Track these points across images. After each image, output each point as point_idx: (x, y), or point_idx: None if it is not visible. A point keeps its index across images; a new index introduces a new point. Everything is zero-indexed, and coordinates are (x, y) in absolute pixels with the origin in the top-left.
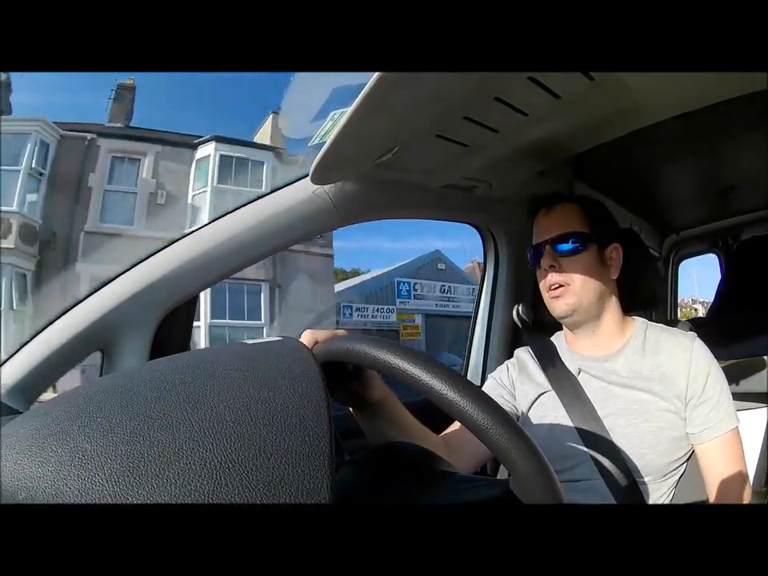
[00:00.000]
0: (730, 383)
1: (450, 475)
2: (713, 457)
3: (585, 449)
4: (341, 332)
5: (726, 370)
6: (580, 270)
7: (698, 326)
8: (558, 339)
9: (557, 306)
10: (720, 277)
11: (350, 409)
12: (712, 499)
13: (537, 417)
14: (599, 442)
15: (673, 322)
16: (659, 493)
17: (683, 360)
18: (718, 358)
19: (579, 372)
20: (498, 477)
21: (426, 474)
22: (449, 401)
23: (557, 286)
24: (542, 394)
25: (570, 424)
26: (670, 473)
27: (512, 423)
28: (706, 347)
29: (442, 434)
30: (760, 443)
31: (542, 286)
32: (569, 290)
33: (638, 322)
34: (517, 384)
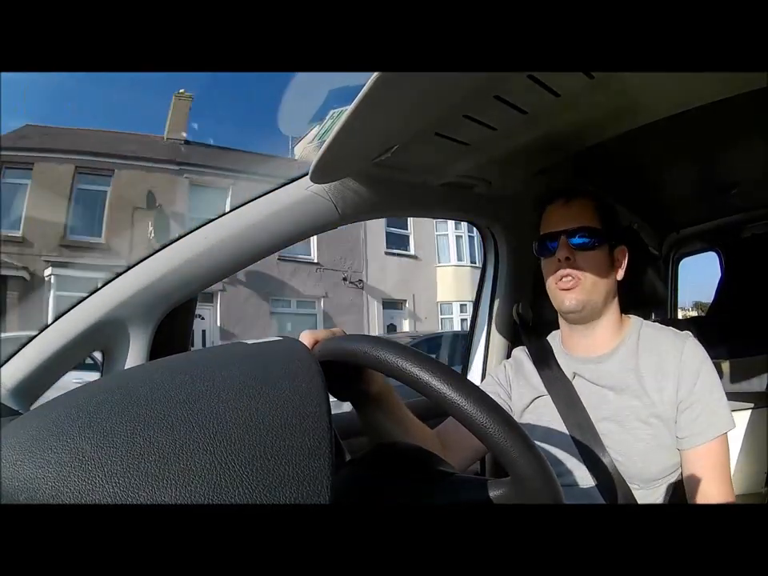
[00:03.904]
0: (728, 382)
1: (449, 475)
2: (696, 464)
3: (578, 454)
4: (338, 331)
5: (727, 368)
6: (593, 266)
7: (697, 324)
8: (554, 339)
9: (566, 299)
10: (720, 275)
11: (351, 403)
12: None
13: (531, 421)
14: (592, 447)
15: (672, 321)
16: (652, 499)
17: (675, 362)
18: (718, 356)
19: (574, 376)
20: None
21: (426, 474)
22: (448, 400)
23: (569, 278)
24: (537, 397)
25: (564, 429)
26: (663, 479)
27: (511, 423)
28: (700, 347)
29: (436, 429)
30: (760, 443)
31: (552, 277)
32: (580, 285)
33: (634, 320)
34: (513, 384)
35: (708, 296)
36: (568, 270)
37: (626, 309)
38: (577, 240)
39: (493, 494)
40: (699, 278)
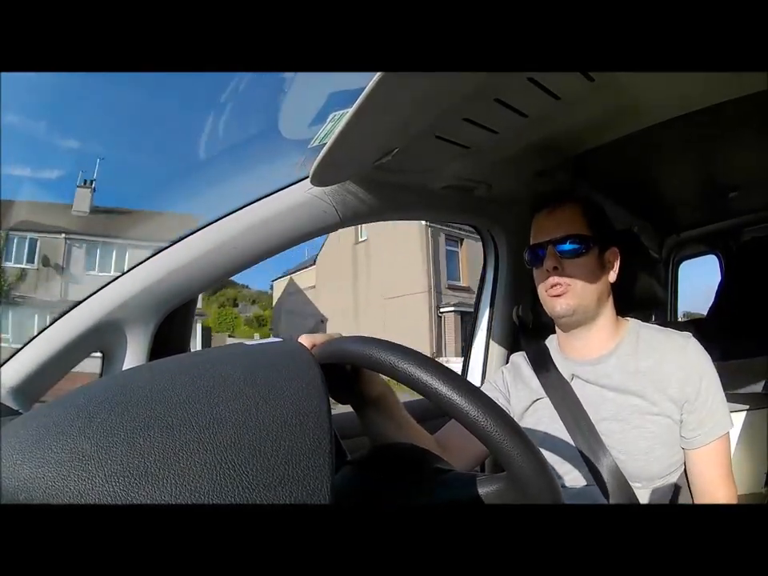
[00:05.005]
0: (727, 384)
1: (445, 472)
2: (703, 462)
3: (579, 455)
4: (335, 334)
5: (726, 370)
6: (582, 272)
7: (697, 326)
8: (552, 343)
9: (557, 305)
10: (720, 278)
11: (351, 406)
12: (698, 502)
13: (531, 423)
14: (593, 448)
15: (672, 324)
16: (654, 498)
17: (677, 361)
18: (717, 358)
19: (572, 378)
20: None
21: (423, 472)
22: (447, 400)
23: (558, 287)
24: (536, 400)
25: (564, 431)
26: (664, 478)
27: (511, 424)
28: (702, 348)
29: (437, 433)
30: (758, 444)
31: (542, 285)
32: (570, 290)
33: (632, 322)
34: (511, 389)
35: (698, 306)
36: (557, 279)
37: (625, 311)
38: (564, 248)
39: (490, 489)
40: (691, 286)
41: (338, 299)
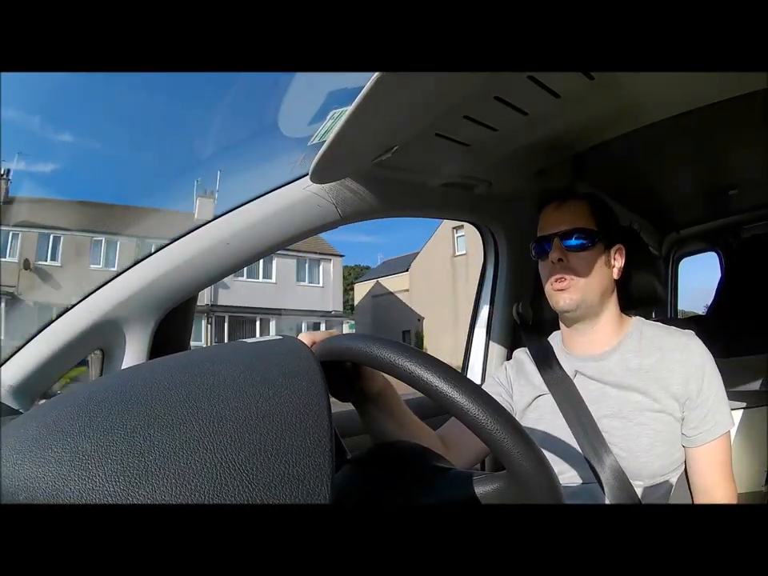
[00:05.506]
0: (727, 382)
1: (446, 470)
2: (704, 460)
3: (580, 452)
4: (335, 332)
5: (724, 367)
6: (587, 266)
7: (697, 323)
8: (555, 339)
9: (561, 299)
10: (720, 275)
11: (352, 404)
12: (697, 501)
13: (533, 419)
14: (594, 445)
15: (673, 321)
16: (655, 496)
17: (679, 359)
18: (717, 355)
19: (575, 374)
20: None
21: (423, 470)
22: (447, 398)
23: (563, 280)
24: (539, 396)
25: (566, 427)
26: (665, 475)
27: (511, 422)
28: (704, 346)
29: (439, 429)
30: (757, 441)
31: (547, 278)
32: (574, 284)
33: (635, 320)
34: (514, 385)
35: (693, 305)
36: (562, 272)
37: (625, 308)
38: (570, 242)
39: (490, 487)
40: (686, 287)
41: (436, 302)
